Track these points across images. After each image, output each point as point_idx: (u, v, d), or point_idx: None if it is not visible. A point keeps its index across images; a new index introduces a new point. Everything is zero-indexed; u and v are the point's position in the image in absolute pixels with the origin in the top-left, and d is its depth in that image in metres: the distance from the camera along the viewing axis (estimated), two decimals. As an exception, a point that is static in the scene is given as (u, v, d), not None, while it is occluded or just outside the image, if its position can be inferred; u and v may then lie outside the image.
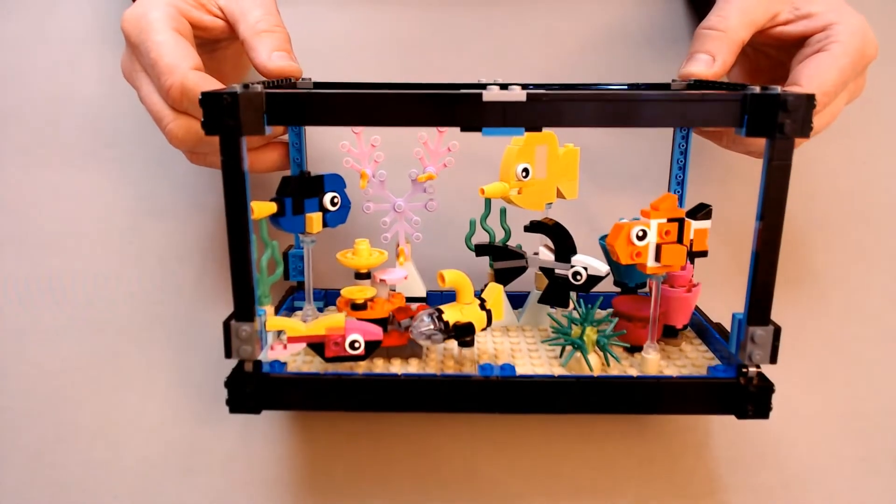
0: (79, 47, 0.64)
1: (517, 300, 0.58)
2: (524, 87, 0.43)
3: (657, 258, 0.47)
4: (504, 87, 0.43)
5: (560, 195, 0.54)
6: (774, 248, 0.44)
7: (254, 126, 0.41)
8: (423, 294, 0.57)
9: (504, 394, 0.46)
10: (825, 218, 0.65)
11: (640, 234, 0.46)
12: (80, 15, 0.64)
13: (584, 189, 0.56)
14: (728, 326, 0.52)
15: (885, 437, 0.63)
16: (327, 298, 0.60)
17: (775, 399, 0.46)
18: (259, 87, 0.42)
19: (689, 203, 0.57)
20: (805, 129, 0.41)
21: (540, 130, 0.44)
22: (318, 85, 0.55)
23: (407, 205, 0.55)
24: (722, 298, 0.56)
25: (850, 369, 0.64)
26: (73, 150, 0.64)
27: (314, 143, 0.60)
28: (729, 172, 0.64)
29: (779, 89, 0.42)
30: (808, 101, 0.41)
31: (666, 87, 0.56)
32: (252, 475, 0.60)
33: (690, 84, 0.55)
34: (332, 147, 0.56)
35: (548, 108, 0.42)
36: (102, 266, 0.63)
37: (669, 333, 0.54)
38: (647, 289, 0.57)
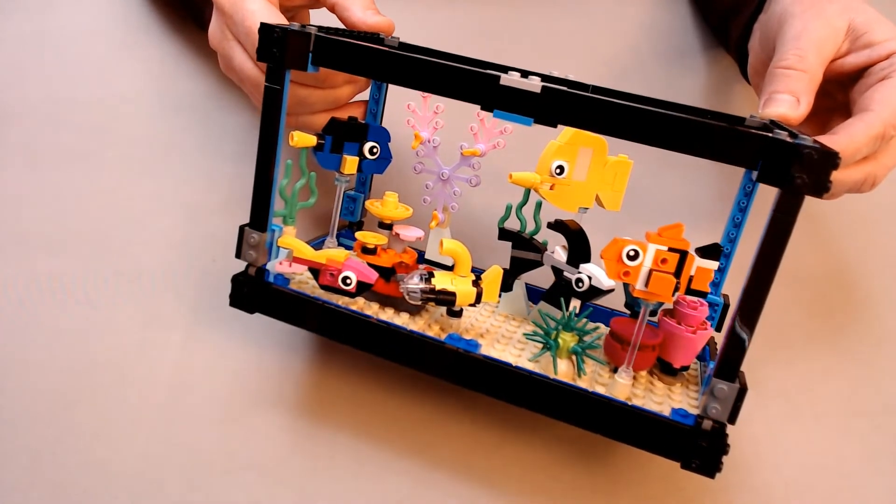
0: (79, 47, 0.67)
1: (536, 295, 0.59)
2: (545, 78, 0.44)
3: (646, 283, 0.46)
4: (525, 74, 0.44)
5: (599, 203, 0.54)
6: (759, 301, 0.41)
7: (298, 62, 0.46)
8: (449, 264, 0.59)
9: (458, 366, 0.48)
10: (827, 216, 0.62)
11: (631, 253, 0.45)
12: (81, 15, 0.67)
13: (633, 209, 0.55)
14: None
15: (886, 437, 0.61)
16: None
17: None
18: (313, 29, 0.47)
19: (742, 246, 0.54)
20: (818, 189, 0.38)
21: (553, 125, 0.45)
22: (402, 45, 0.59)
23: (452, 175, 0.58)
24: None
25: (850, 369, 0.61)
26: (73, 150, 0.65)
27: (395, 101, 0.64)
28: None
29: (810, 140, 0.40)
30: (828, 159, 0.38)
31: (740, 121, 0.53)
32: (253, 475, 0.59)
33: (766, 125, 0.52)
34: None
35: (559, 104, 0.43)
36: (103, 266, 0.63)
37: (667, 370, 0.52)
38: (655, 318, 0.55)
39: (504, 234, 0.56)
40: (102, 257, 0.63)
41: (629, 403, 0.46)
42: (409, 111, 0.57)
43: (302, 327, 0.51)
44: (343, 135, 0.53)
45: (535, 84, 0.43)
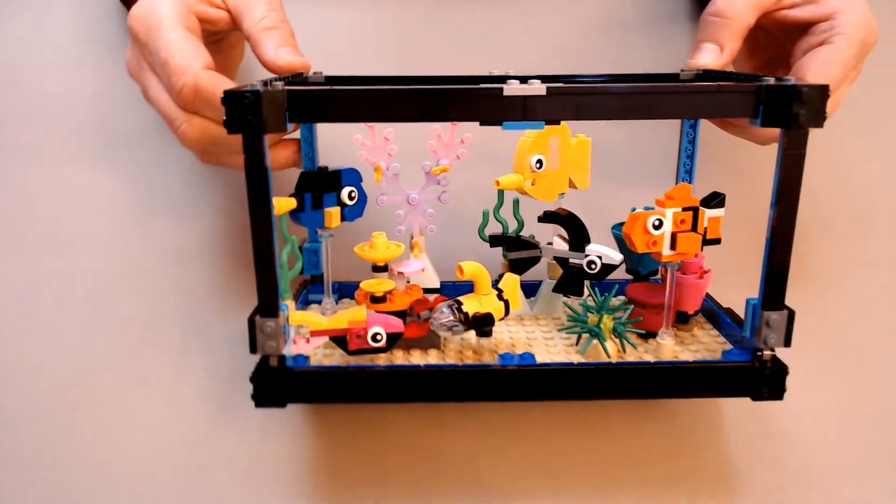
0: (79, 47, 0.63)
1: (529, 289, 0.59)
2: (543, 80, 0.44)
3: (672, 246, 0.48)
4: (524, 80, 0.43)
5: (572, 185, 0.55)
6: (788, 235, 0.45)
7: (275, 124, 0.42)
8: (436, 285, 0.58)
9: (524, 382, 0.47)
10: (826, 217, 0.66)
11: (657, 223, 0.47)
12: (80, 15, 0.63)
13: (593, 180, 0.57)
14: (737, 311, 0.53)
15: (886, 437, 0.63)
16: (342, 291, 0.61)
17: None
18: (280, 85, 0.42)
19: (696, 192, 0.58)
20: (819, 120, 0.42)
21: (559, 124, 0.45)
22: (329, 79, 0.55)
23: (421, 197, 0.56)
24: (729, 284, 0.57)
25: (850, 369, 0.64)
26: (73, 150, 0.63)
27: (324, 137, 0.60)
28: (735, 161, 0.65)
29: (793, 80, 0.43)
30: (822, 91, 0.42)
31: (675, 77, 0.57)
32: (253, 475, 0.59)
33: (699, 74, 0.55)
34: (341, 141, 0.56)
35: (567, 101, 0.43)
36: (103, 266, 0.63)
37: (681, 319, 0.55)
38: (658, 276, 0.58)
39: (495, 241, 0.55)
40: (102, 257, 0.63)
41: (690, 361, 0.48)
42: (358, 144, 0.54)
43: (344, 402, 0.48)
44: (320, 187, 0.49)
45: (539, 88, 0.42)
